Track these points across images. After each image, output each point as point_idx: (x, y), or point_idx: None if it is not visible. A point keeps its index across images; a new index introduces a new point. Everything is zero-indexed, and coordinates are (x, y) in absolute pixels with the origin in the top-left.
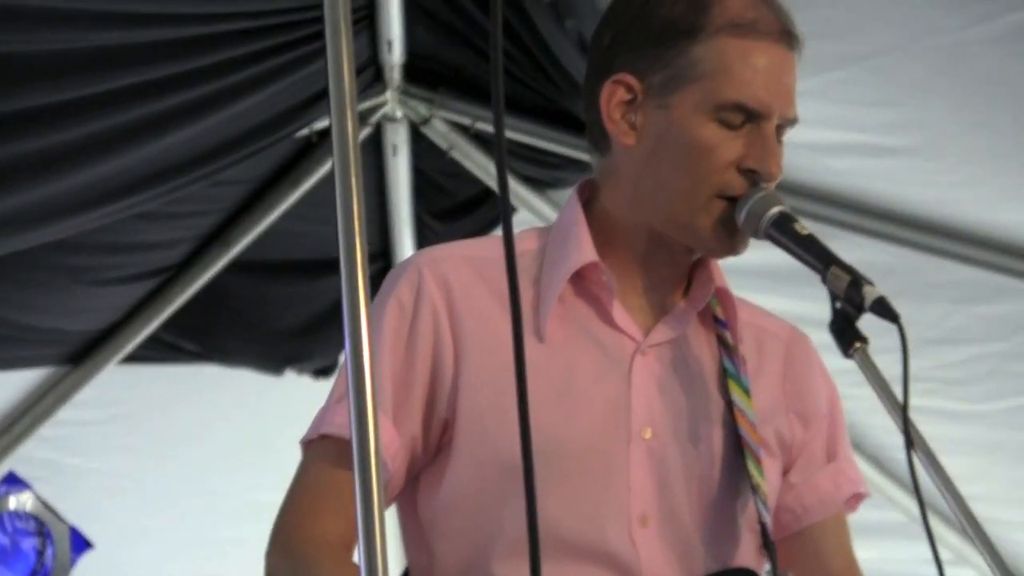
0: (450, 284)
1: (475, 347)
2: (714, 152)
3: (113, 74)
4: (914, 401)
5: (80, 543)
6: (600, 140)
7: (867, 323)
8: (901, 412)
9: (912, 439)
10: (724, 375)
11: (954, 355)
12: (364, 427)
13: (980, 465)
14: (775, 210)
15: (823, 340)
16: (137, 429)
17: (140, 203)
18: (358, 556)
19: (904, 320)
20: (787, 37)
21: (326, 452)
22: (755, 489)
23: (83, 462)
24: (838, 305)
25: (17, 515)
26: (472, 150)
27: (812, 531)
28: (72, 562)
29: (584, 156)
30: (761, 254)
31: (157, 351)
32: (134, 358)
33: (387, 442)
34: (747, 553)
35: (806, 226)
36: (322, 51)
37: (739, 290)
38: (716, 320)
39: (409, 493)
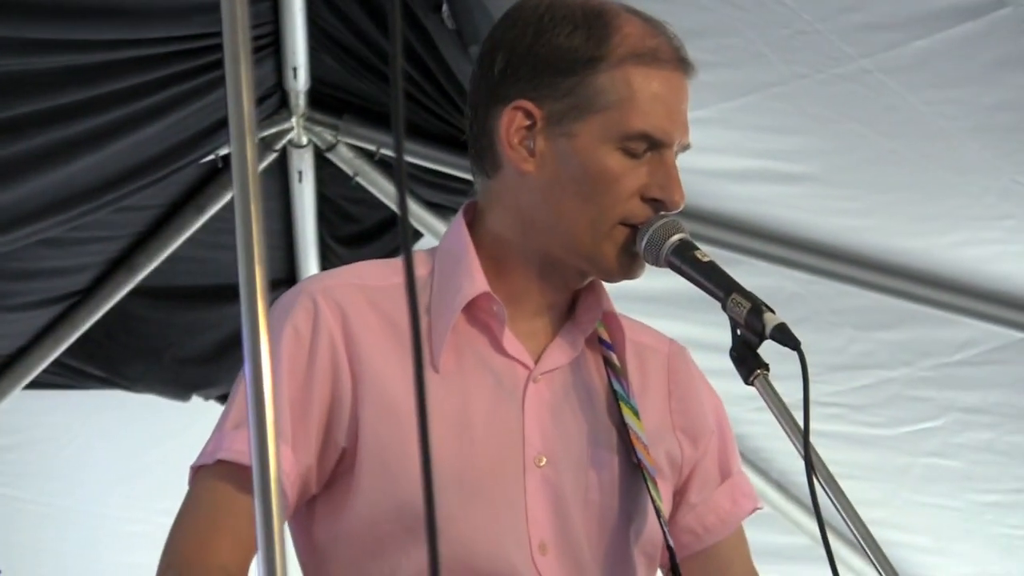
0: (346, 313)
1: (373, 378)
2: (619, 182)
3: (17, 100)
4: (818, 426)
5: None
6: (487, 163)
7: (771, 349)
8: (802, 437)
9: (813, 464)
10: (615, 398)
11: (857, 380)
12: (265, 455)
13: (884, 489)
14: (675, 238)
15: (725, 366)
16: (43, 455)
17: (44, 230)
18: None
19: (807, 346)
20: (684, 64)
21: (222, 478)
22: (658, 513)
23: None
24: (739, 332)
25: None
26: (377, 176)
27: (715, 551)
28: None
29: None
30: (662, 280)
31: (62, 377)
32: (39, 384)
33: (287, 470)
34: None
35: (707, 253)
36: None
37: (640, 316)
38: (601, 342)
39: (304, 517)
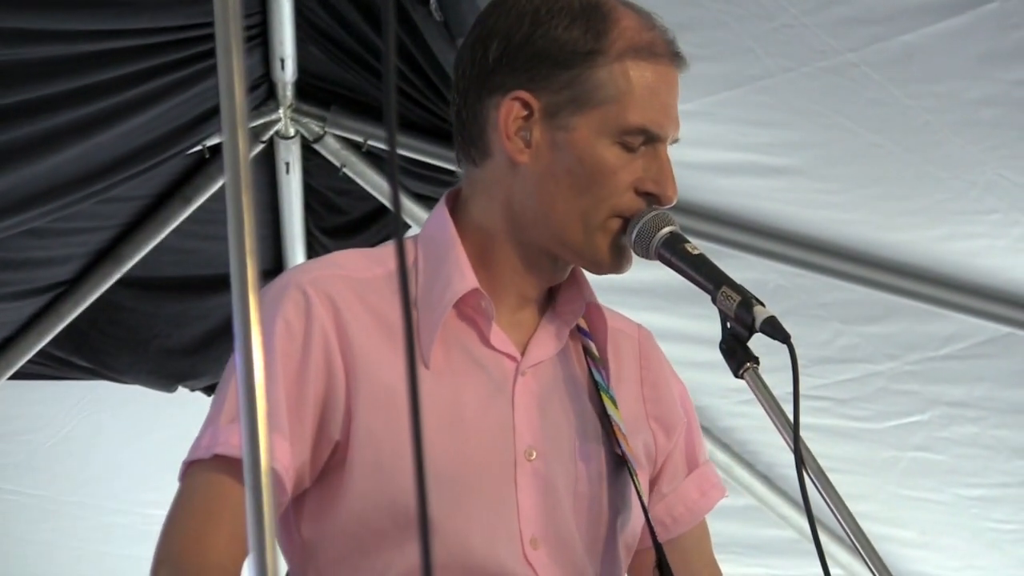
0: (337, 305)
1: (366, 371)
2: (616, 175)
3: (1, 91)
4: (803, 419)
5: None
6: (475, 151)
7: (757, 341)
8: (792, 431)
9: (803, 458)
10: (596, 388)
11: (843, 374)
12: (256, 449)
13: (869, 483)
14: (666, 230)
15: (712, 358)
16: (27, 446)
17: (30, 220)
18: None
19: (794, 339)
20: (677, 58)
21: (218, 473)
22: (643, 504)
23: None
24: (729, 325)
25: None
26: (365, 168)
27: (680, 542)
28: None
29: None
30: (649, 272)
31: (48, 367)
32: (24, 374)
33: (286, 463)
34: (623, 571)
35: (696, 246)
36: (213, 68)
37: (627, 309)
38: (579, 330)
39: (291, 513)
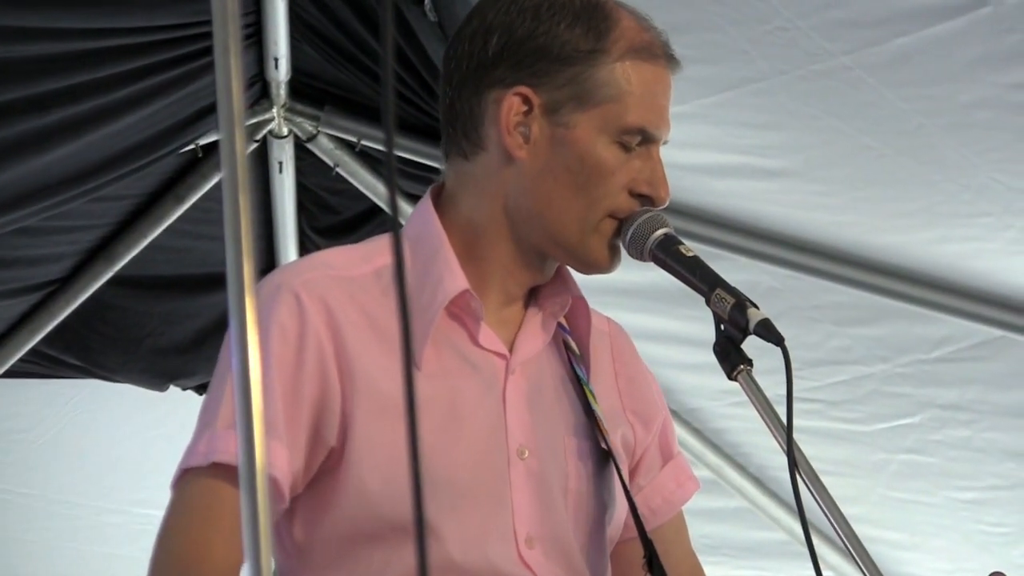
0: (331, 308)
1: (362, 375)
2: (614, 174)
3: None
4: (795, 422)
5: None
6: (468, 145)
7: (748, 343)
8: (785, 433)
9: (796, 460)
10: (578, 383)
11: (835, 376)
12: (252, 454)
13: (860, 485)
14: (660, 232)
15: (704, 360)
16: (19, 444)
17: (22, 219)
18: None
19: (786, 341)
20: (671, 60)
21: (215, 479)
22: (629, 498)
23: None
24: (722, 328)
25: None
26: (358, 167)
27: (660, 533)
28: None
29: None
30: (641, 274)
31: (40, 366)
32: (16, 373)
33: (284, 469)
34: (608, 566)
35: (691, 248)
36: (207, 67)
37: (618, 310)
38: (559, 326)
39: (282, 517)
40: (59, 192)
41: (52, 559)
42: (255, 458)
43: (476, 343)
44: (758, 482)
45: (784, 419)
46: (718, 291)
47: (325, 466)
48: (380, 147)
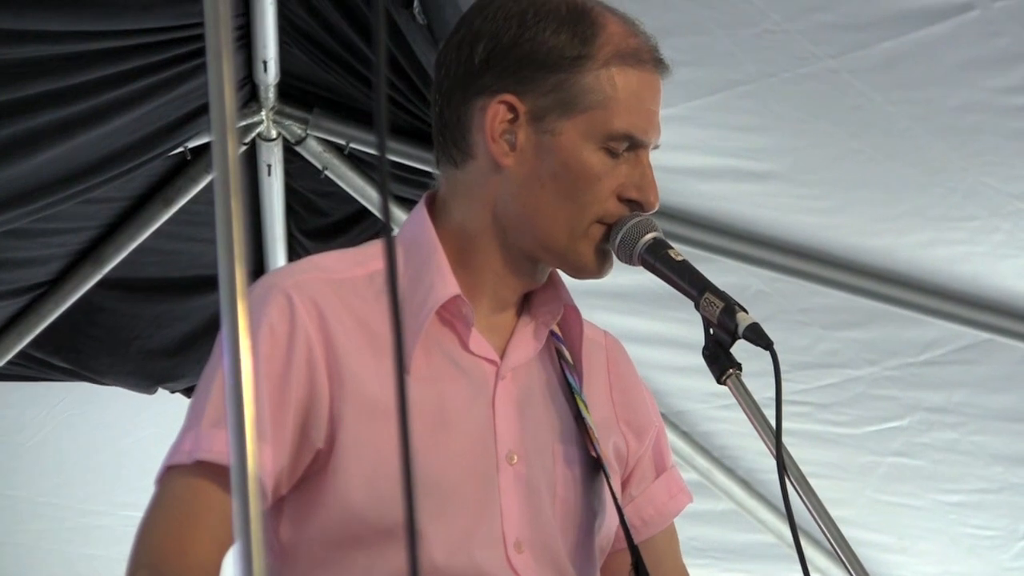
0: (322, 310)
1: (351, 377)
2: (601, 180)
3: None
4: (784, 425)
5: None
6: (457, 152)
7: (737, 346)
8: (774, 437)
9: (785, 465)
10: (570, 391)
11: (823, 379)
12: (243, 455)
13: (848, 488)
14: (649, 236)
15: (692, 362)
16: (4, 446)
17: (10, 221)
18: None
19: (774, 344)
20: (660, 65)
21: (199, 477)
22: (618, 507)
23: None
24: (712, 332)
25: None
26: (346, 170)
27: (651, 545)
28: None
29: None
30: (630, 277)
31: (28, 368)
32: (4, 375)
33: (269, 469)
34: (598, 573)
35: (680, 252)
36: (196, 70)
37: (608, 313)
38: (552, 334)
39: (268, 519)
40: (48, 194)
41: (37, 560)
42: (247, 463)
43: (467, 348)
44: (746, 485)
45: (773, 422)
46: (707, 295)
47: (312, 468)
48: (368, 150)
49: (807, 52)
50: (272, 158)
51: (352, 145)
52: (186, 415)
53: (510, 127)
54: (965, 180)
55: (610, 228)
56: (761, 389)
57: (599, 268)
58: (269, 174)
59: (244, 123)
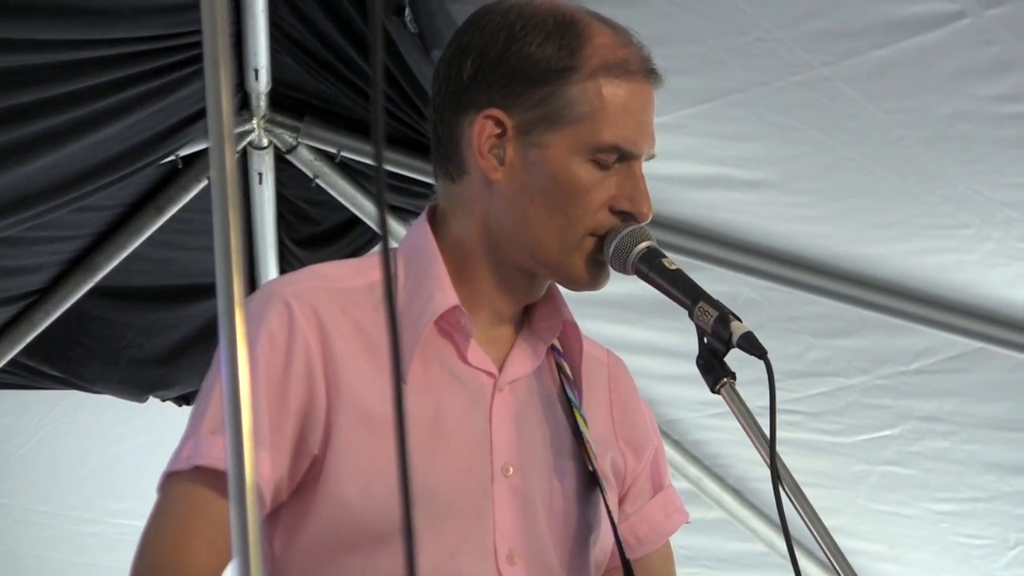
0: (321, 318)
1: (348, 386)
2: (590, 193)
3: None
4: (777, 434)
5: None
6: (452, 168)
7: (731, 355)
8: (768, 446)
9: (779, 474)
10: (569, 406)
11: (814, 388)
12: (241, 462)
13: (840, 497)
14: (643, 245)
15: (686, 371)
16: None
17: (2, 229)
18: None
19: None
20: (652, 75)
21: (198, 484)
22: (612, 522)
23: None
24: (706, 340)
25: None
26: (337, 179)
27: (645, 563)
28: None
29: None
30: (624, 286)
31: (19, 377)
32: None
33: (267, 476)
34: None
35: (674, 261)
36: (188, 79)
37: (602, 322)
38: (553, 349)
39: (266, 522)
40: (40, 203)
41: (29, 569)
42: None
43: (464, 360)
44: (737, 494)
45: (767, 431)
46: (701, 304)
47: (308, 475)
48: (360, 158)
49: (799, 60)
50: (263, 166)
51: (343, 153)
52: (187, 423)
53: (498, 142)
54: (957, 188)
55: (603, 239)
56: (753, 398)
57: (592, 280)
58: (260, 182)
59: (235, 131)
